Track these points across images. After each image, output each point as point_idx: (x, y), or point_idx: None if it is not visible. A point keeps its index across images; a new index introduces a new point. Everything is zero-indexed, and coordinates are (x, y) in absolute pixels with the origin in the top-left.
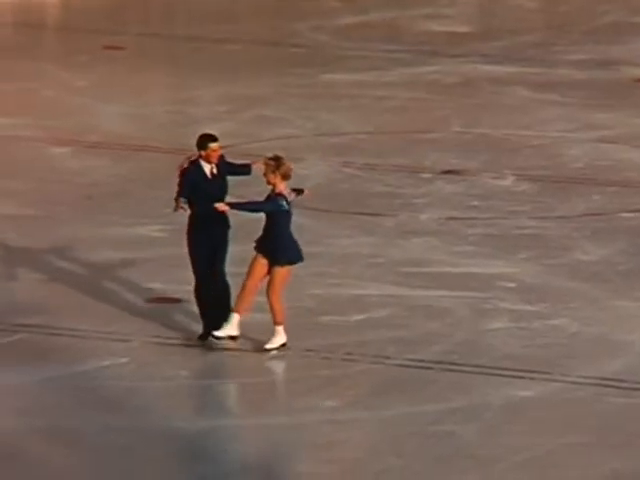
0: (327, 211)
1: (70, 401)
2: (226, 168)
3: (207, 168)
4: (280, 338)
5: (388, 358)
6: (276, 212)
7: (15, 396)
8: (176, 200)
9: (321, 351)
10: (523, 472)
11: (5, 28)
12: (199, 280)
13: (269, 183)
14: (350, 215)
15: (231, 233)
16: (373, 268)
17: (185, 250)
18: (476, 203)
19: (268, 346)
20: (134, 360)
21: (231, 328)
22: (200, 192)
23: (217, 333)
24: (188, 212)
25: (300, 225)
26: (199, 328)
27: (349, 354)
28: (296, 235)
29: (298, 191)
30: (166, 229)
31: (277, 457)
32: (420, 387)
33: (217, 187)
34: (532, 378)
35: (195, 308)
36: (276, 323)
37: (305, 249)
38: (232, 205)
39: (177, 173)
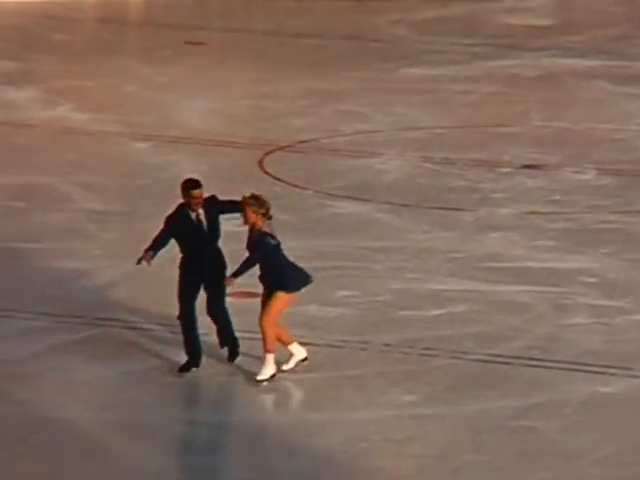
0: (406, 206)
1: (148, 395)
2: (216, 209)
3: (192, 214)
4: (270, 368)
5: (467, 353)
6: (265, 254)
7: (96, 390)
8: (145, 251)
9: (399, 346)
10: (604, 468)
11: (89, 25)
12: (183, 311)
13: (248, 223)
14: (429, 210)
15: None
16: (451, 263)
17: None
18: (556, 198)
19: (259, 377)
20: (213, 354)
21: (270, 368)
22: (187, 238)
23: (260, 377)
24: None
25: (378, 219)
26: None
27: (427, 349)
28: (371, 230)
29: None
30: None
31: (357, 452)
32: (499, 383)
33: (205, 232)
34: (613, 374)
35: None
36: (267, 351)
37: (383, 243)
38: (237, 274)
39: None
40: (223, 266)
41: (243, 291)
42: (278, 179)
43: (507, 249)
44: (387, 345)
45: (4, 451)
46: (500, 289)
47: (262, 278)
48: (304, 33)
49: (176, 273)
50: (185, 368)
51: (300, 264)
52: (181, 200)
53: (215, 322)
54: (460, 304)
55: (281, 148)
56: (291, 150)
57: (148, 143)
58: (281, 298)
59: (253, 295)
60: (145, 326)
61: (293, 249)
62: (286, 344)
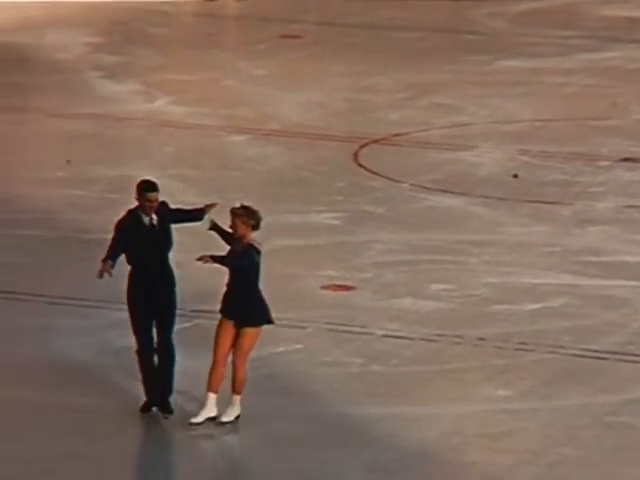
0: (502, 199)
1: (246, 387)
2: (170, 217)
3: (146, 219)
4: (237, 409)
5: (563, 348)
6: (248, 267)
7: (192, 380)
8: (103, 262)
9: (494, 340)
10: None
11: (187, 19)
12: (139, 344)
13: (238, 234)
14: (525, 203)
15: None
16: (548, 257)
17: (360, 238)
18: None
19: (224, 419)
20: (308, 347)
21: (209, 410)
22: (138, 245)
23: (194, 420)
24: (111, 277)
25: (473, 213)
26: (373, 316)
27: (523, 343)
28: (467, 223)
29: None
30: (341, 217)
31: (451, 446)
32: (595, 378)
33: (157, 239)
34: None
35: (371, 297)
36: (236, 392)
37: (479, 237)
38: (214, 258)
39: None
40: (174, 284)
41: (338, 284)
42: (373, 172)
43: (605, 243)
44: (482, 339)
45: (99, 441)
46: (597, 283)
47: (228, 306)
48: (401, 26)
49: (269, 265)
50: (146, 408)
51: (394, 258)
52: (133, 206)
53: (157, 357)
54: (556, 298)
55: (376, 141)
56: (386, 143)
57: (244, 136)
58: (251, 333)
59: (348, 288)
60: None
61: (388, 242)
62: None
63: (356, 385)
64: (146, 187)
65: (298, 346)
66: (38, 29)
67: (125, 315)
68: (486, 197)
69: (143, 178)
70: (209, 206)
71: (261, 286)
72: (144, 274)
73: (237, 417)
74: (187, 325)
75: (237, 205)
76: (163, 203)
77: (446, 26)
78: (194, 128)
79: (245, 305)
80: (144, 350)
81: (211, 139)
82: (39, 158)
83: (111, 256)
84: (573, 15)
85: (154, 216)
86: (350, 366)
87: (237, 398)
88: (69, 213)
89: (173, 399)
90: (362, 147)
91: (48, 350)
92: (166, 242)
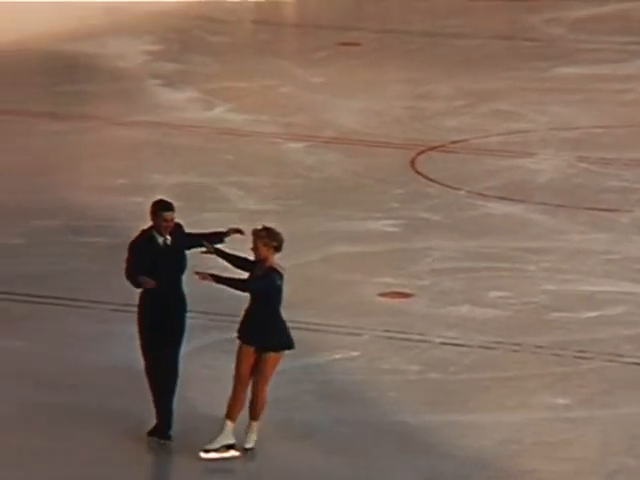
0: (561, 206)
1: (303, 394)
2: (185, 241)
3: (160, 239)
4: (255, 435)
5: (622, 356)
6: (268, 290)
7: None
8: (133, 278)
9: (552, 348)
10: None
11: (246, 26)
12: (150, 365)
13: (259, 257)
14: (584, 210)
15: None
16: (607, 264)
17: (417, 246)
18: None
19: (248, 445)
20: (365, 354)
21: (225, 437)
22: (150, 266)
23: (210, 446)
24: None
25: (532, 220)
26: (430, 323)
27: (581, 351)
28: (525, 230)
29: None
30: (398, 224)
31: (509, 454)
32: None
33: (171, 260)
34: None
35: (428, 304)
36: (254, 418)
37: (537, 244)
38: (217, 278)
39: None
40: (185, 309)
41: (395, 291)
42: (430, 179)
43: None
44: (540, 347)
45: (159, 448)
46: None
47: (248, 332)
48: (459, 33)
49: (327, 271)
50: (153, 432)
51: (451, 265)
52: (147, 225)
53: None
54: (616, 306)
55: (434, 148)
56: (443, 150)
57: (302, 143)
58: (272, 358)
59: (405, 295)
60: (299, 325)
61: (445, 250)
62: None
63: (413, 393)
64: (162, 206)
65: (355, 353)
66: (99, 37)
67: (190, 322)
68: (545, 204)
69: (159, 198)
70: (233, 230)
71: (319, 293)
72: (156, 295)
73: (252, 448)
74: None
75: (259, 227)
76: (179, 225)
77: (504, 33)
78: (252, 135)
79: (267, 330)
80: (154, 371)
81: (269, 146)
82: (100, 166)
83: (138, 280)
84: (631, 21)
85: (168, 237)
86: (407, 373)
87: (255, 424)
88: (129, 220)
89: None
90: (420, 154)
91: (110, 356)
92: (179, 264)
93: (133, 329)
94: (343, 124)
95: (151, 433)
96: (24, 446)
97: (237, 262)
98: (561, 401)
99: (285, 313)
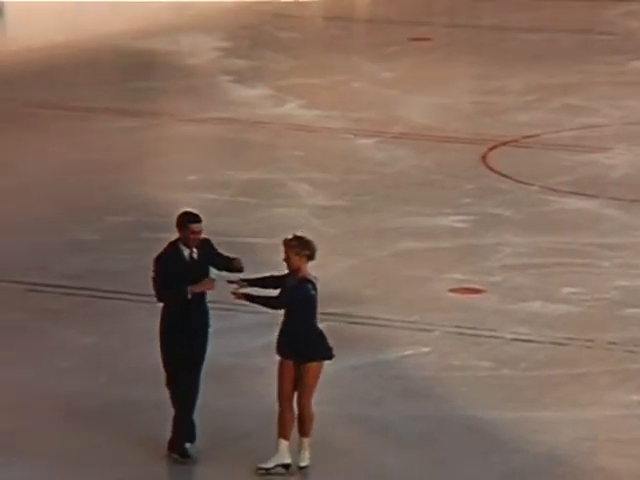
0: (635, 201)
1: (375, 389)
2: (210, 255)
3: (186, 252)
4: (308, 453)
5: None
6: (302, 301)
7: (323, 384)
8: (163, 293)
9: (625, 344)
10: None
11: (316, 22)
12: (171, 381)
13: (292, 267)
14: None
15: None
16: None
17: (488, 241)
18: None
19: (302, 463)
20: (436, 350)
21: (281, 457)
22: (176, 281)
23: (264, 465)
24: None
25: (605, 215)
26: (502, 319)
27: None
28: (598, 226)
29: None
30: (469, 220)
31: (582, 450)
32: None
33: (197, 275)
34: None
35: (500, 300)
36: (305, 434)
37: (610, 240)
38: (251, 298)
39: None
40: (208, 325)
41: (466, 287)
42: (502, 174)
43: None
44: (613, 343)
45: (236, 442)
46: None
47: (286, 346)
48: (531, 27)
49: (397, 267)
50: (172, 447)
51: (523, 260)
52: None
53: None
54: None
55: (505, 143)
56: (515, 145)
57: (373, 139)
58: (313, 369)
59: (476, 291)
60: (369, 321)
61: (516, 245)
62: (307, 435)
63: (485, 389)
64: (189, 218)
65: (426, 349)
66: (171, 35)
67: (257, 318)
68: (618, 199)
69: (185, 210)
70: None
71: (390, 289)
72: (180, 309)
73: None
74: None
75: (289, 236)
76: (206, 240)
77: (578, 27)
78: (323, 131)
79: (304, 341)
80: (176, 386)
81: (340, 142)
82: (171, 162)
83: (168, 295)
84: None
85: (195, 250)
86: (478, 370)
87: (306, 441)
88: (201, 216)
89: None
90: (491, 149)
91: None
92: (205, 278)
93: None
94: (413, 119)
95: (171, 448)
96: (102, 440)
97: (268, 283)
98: (635, 398)
99: (356, 309)
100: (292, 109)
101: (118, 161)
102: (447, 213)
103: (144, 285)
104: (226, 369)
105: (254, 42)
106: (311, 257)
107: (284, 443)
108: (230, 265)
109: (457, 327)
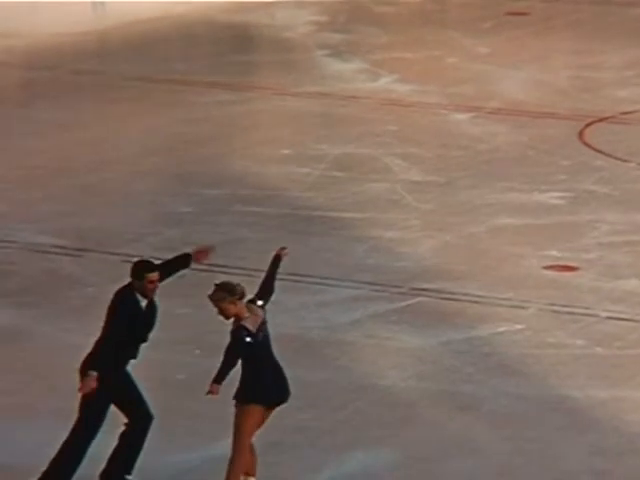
0: None
1: (467, 365)
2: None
3: (143, 303)
4: None
5: None
6: (239, 352)
7: (414, 359)
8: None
9: None
10: None
11: None
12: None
13: (229, 317)
14: None
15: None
16: None
17: (584, 218)
18: None
19: None
20: (529, 327)
21: None
22: (130, 333)
23: None
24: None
25: None
26: (597, 297)
27: None
28: None
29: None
30: (565, 196)
31: None
32: None
33: (149, 327)
34: None
35: (595, 278)
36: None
37: None
38: (219, 379)
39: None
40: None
41: (561, 264)
42: (598, 151)
43: None
44: None
45: (326, 416)
46: None
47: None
48: (631, 1)
49: (491, 244)
50: None
51: (619, 238)
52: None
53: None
54: None
55: (603, 119)
56: (613, 121)
57: (468, 114)
58: (240, 413)
59: (571, 269)
60: (462, 297)
61: (613, 223)
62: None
63: (579, 367)
64: (147, 267)
65: (519, 326)
66: (266, 8)
67: (348, 292)
68: None
69: (137, 259)
70: (200, 252)
71: (484, 265)
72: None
73: None
74: (409, 303)
75: (210, 291)
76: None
77: None
78: (417, 106)
79: (240, 382)
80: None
81: (434, 117)
82: (266, 136)
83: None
84: None
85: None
86: (572, 348)
87: None
88: (295, 190)
89: None
90: (588, 125)
91: (276, 325)
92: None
93: (299, 299)
94: (509, 95)
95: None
96: (200, 410)
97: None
98: None
99: (449, 285)
100: (387, 83)
101: (213, 134)
102: (543, 189)
103: (237, 258)
104: (316, 343)
105: (350, 16)
106: (242, 296)
107: None
108: (182, 263)
109: (551, 304)
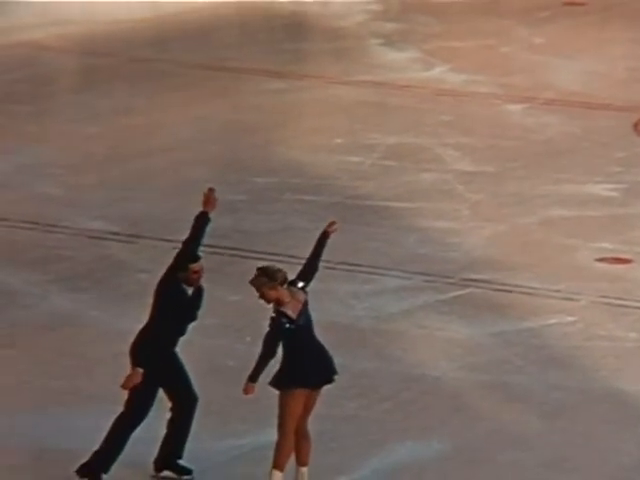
0: None
1: (517, 357)
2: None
3: (188, 290)
4: None
5: None
6: (277, 339)
7: (464, 349)
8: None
9: None
10: None
11: None
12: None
13: (270, 302)
14: None
15: None
16: None
17: (638, 211)
18: None
19: None
20: (581, 319)
21: None
22: (175, 321)
23: None
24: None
25: None
26: None
27: None
28: None
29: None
30: (618, 188)
31: None
32: None
33: (194, 315)
34: None
35: None
36: (274, 466)
37: None
38: (254, 377)
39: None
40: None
41: (614, 257)
42: None
43: None
44: None
45: (374, 405)
46: None
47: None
48: None
49: (544, 235)
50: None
51: None
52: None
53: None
54: None
55: None
56: None
57: (521, 105)
58: (281, 400)
59: (624, 261)
60: (513, 289)
61: None
62: (299, 464)
63: (631, 360)
64: (190, 258)
65: (571, 318)
66: None
67: (400, 282)
68: None
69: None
70: (207, 203)
71: (536, 257)
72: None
73: None
74: (459, 293)
75: (252, 275)
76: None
77: None
78: (471, 96)
79: (280, 368)
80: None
81: (487, 107)
82: (318, 124)
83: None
84: None
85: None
86: (625, 341)
87: (276, 474)
88: (346, 180)
89: None
90: None
91: (324, 314)
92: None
93: (350, 287)
94: (564, 85)
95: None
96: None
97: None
98: None
99: (500, 276)
100: (440, 73)
101: (266, 122)
102: (597, 181)
103: (288, 246)
104: (365, 332)
105: (404, 5)
106: (284, 282)
107: (278, 474)
108: (201, 223)
109: (604, 297)
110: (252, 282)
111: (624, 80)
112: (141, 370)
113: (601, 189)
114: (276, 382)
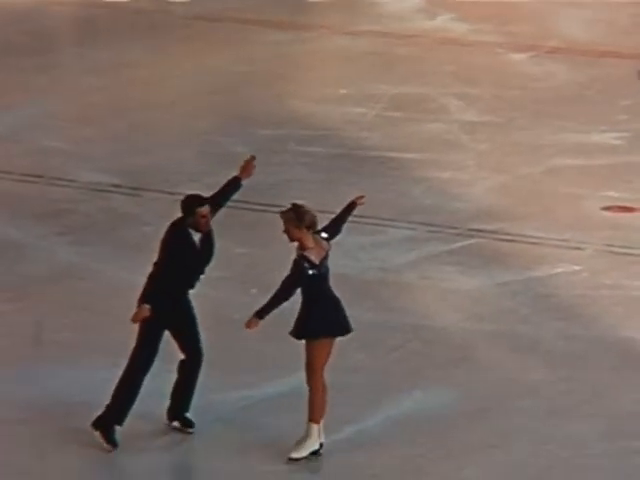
0: None
1: (524, 307)
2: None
3: (196, 237)
4: (312, 442)
5: None
6: (297, 284)
7: (470, 300)
8: (139, 305)
9: None
10: None
11: None
12: (138, 359)
13: (292, 240)
14: None
15: None
16: None
17: None
18: None
19: (294, 455)
20: (587, 268)
21: (313, 442)
22: (182, 267)
23: (295, 455)
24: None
25: None
26: None
27: None
28: None
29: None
30: (623, 137)
31: None
32: None
33: (203, 261)
34: None
35: None
36: (310, 420)
37: None
38: (261, 313)
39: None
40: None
41: (619, 205)
42: None
43: None
44: None
45: (382, 356)
46: None
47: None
48: None
49: (549, 184)
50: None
51: None
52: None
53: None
54: None
55: None
56: None
57: (526, 54)
58: (308, 349)
59: (630, 210)
60: (519, 238)
61: None
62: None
63: (635, 308)
64: (197, 201)
65: (577, 267)
66: None
67: (407, 233)
68: None
69: (188, 193)
70: (245, 168)
71: (541, 206)
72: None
73: (314, 452)
74: (465, 244)
75: (285, 207)
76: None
77: None
78: (475, 45)
79: (300, 316)
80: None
81: (492, 57)
82: (322, 75)
83: (148, 295)
84: None
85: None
86: (630, 289)
87: (314, 427)
88: (351, 130)
89: None
90: None
91: (330, 266)
92: (209, 259)
93: (355, 239)
94: (568, 34)
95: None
96: (255, 349)
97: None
98: None
99: (505, 226)
100: (444, 22)
101: (270, 74)
102: (602, 130)
103: (293, 198)
104: (371, 284)
105: None
106: (311, 227)
107: (315, 427)
108: (232, 187)
109: (609, 246)
110: (281, 214)
111: (629, 27)
112: (147, 306)
113: (607, 137)
114: (302, 331)
